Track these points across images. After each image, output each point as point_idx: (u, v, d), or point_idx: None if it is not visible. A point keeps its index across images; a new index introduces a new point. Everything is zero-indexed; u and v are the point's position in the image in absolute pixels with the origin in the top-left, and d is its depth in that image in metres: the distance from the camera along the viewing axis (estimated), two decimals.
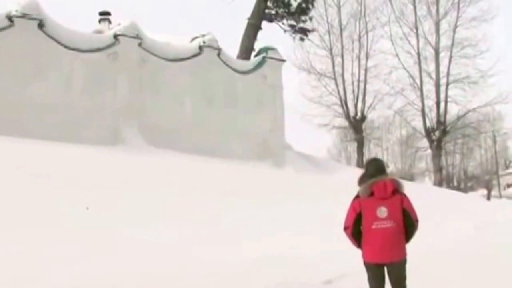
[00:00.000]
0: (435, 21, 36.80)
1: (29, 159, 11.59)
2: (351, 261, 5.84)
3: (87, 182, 10.88)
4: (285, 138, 21.98)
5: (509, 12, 62.56)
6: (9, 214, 8.33)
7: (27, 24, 16.27)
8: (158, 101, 18.30)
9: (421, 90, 36.89)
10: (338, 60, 36.25)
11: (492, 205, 23.39)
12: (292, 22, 26.93)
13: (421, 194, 11.12)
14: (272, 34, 26.95)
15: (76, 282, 6.26)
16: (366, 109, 36.59)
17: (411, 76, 36.94)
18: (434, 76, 36.94)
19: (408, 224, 5.00)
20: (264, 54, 22.00)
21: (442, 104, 36.79)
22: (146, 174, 12.70)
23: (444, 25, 36.96)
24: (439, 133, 36.81)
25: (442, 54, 36.92)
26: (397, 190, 5.04)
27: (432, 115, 37.07)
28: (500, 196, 46.62)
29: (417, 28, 36.87)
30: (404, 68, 36.93)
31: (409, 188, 5.24)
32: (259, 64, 21.74)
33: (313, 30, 29.77)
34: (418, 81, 36.90)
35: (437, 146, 37.04)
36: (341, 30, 36.30)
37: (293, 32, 27.42)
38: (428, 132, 37.10)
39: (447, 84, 36.84)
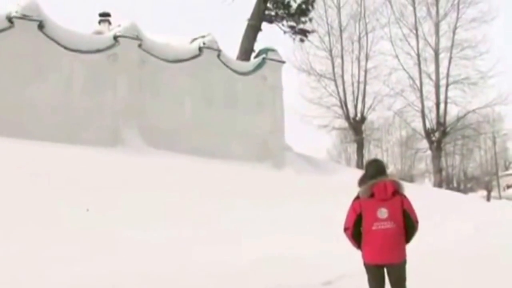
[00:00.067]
0: (434, 22, 36.81)
1: (29, 160, 11.59)
2: (351, 262, 5.84)
3: (87, 183, 10.89)
4: (285, 139, 21.98)
5: (509, 13, 62.63)
6: (9, 214, 8.34)
7: (27, 25, 16.27)
8: (158, 102, 18.30)
9: (421, 91, 36.90)
10: (338, 61, 36.31)
11: (492, 206, 23.38)
12: (292, 23, 26.93)
13: (421, 195, 11.13)
14: (272, 35, 26.99)
15: (76, 282, 6.26)
16: (366, 110, 36.63)
17: (411, 77, 36.99)
18: (434, 77, 36.96)
19: (408, 225, 5.01)
20: (264, 55, 22.01)
21: (442, 105, 36.81)
22: (146, 175, 12.70)
23: (444, 26, 37.01)
24: (439, 134, 36.81)
25: (442, 55, 36.98)
26: (397, 191, 5.06)
27: (432, 116, 37.11)
28: (500, 197, 46.62)
29: (416, 29, 36.89)
30: (404, 69, 36.97)
31: (409, 189, 5.25)
32: (259, 65, 21.75)
33: (313, 31, 29.78)
34: (418, 82, 36.93)
35: (437, 147, 37.04)
36: (341, 31, 36.34)
37: (293, 33, 27.42)
38: (428, 133, 37.10)
39: (447, 85, 36.84)
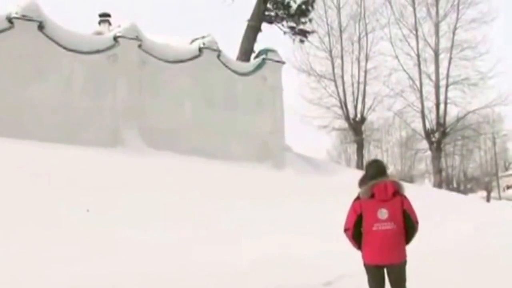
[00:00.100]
0: (434, 23, 36.81)
1: (29, 160, 11.59)
2: (351, 263, 5.84)
3: (87, 183, 10.89)
4: (285, 140, 21.99)
5: (509, 14, 62.68)
6: (9, 215, 8.34)
7: (27, 26, 16.27)
8: (158, 103, 18.30)
9: (421, 92, 36.89)
10: (337, 61, 36.31)
11: (491, 207, 23.40)
12: (292, 24, 26.91)
13: (420, 195, 11.13)
14: (272, 36, 26.99)
15: (76, 282, 6.27)
16: (365, 110, 36.64)
17: (410, 78, 36.97)
18: (433, 78, 36.95)
19: (408, 225, 5.01)
20: (264, 56, 22.01)
21: (441, 106, 36.79)
22: (146, 176, 12.71)
23: (443, 27, 36.99)
24: (438, 135, 36.80)
25: (441, 56, 36.96)
26: (397, 192, 5.06)
27: (431, 117, 37.11)
28: (500, 198, 46.69)
29: (416, 30, 36.89)
30: (404, 70, 36.96)
31: (408, 190, 5.25)
32: (259, 66, 21.76)
33: (312, 32, 29.74)
34: (417, 82, 36.92)
35: (436, 148, 37.04)
36: (340, 32, 36.34)
37: (293, 34, 27.40)
38: (428, 134, 37.10)
39: (447, 86, 36.83)
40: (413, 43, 36.93)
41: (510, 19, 66.03)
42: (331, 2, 36.10)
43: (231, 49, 23.71)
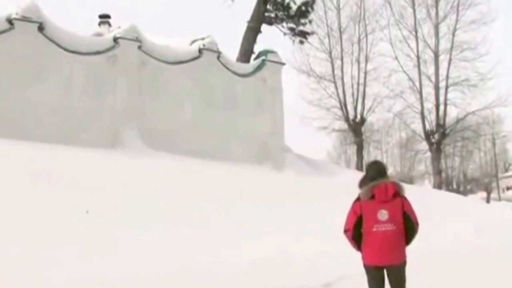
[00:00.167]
0: (434, 24, 36.83)
1: (29, 161, 11.59)
2: (351, 264, 5.84)
3: (86, 184, 10.88)
4: (285, 141, 22.00)
5: (508, 15, 62.72)
6: (9, 215, 8.33)
7: (27, 27, 16.28)
8: (157, 104, 18.31)
9: (421, 93, 36.92)
10: (337, 63, 36.37)
11: (491, 208, 23.41)
12: (292, 25, 26.94)
13: (420, 196, 11.12)
14: (272, 37, 27.03)
15: (76, 283, 6.26)
16: (365, 112, 36.70)
17: (410, 79, 37.00)
18: (433, 79, 36.98)
19: (408, 227, 5.02)
20: (263, 57, 22.03)
21: (441, 107, 36.82)
22: (145, 177, 12.70)
23: (443, 28, 37.02)
24: (438, 136, 36.81)
25: (441, 57, 36.99)
26: (398, 193, 5.07)
27: (431, 118, 37.13)
28: (500, 199, 46.76)
29: (416, 31, 36.91)
30: (404, 71, 36.99)
31: (408, 191, 5.26)
32: (259, 67, 21.77)
33: (312, 33, 29.77)
34: (417, 84, 36.95)
35: (436, 149, 37.04)
36: (340, 33, 36.39)
37: (293, 35, 27.43)
38: (428, 135, 37.11)
39: (447, 87, 36.85)
40: (413, 44, 37.03)
41: (510, 20, 66.07)
42: (331, 3, 36.22)
43: (231, 50, 23.77)
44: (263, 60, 21.88)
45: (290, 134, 22.65)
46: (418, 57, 36.81)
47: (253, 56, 23.83)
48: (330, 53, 36.22)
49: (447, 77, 36.71)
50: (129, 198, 10.49)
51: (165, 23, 70.61)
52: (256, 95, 21.17)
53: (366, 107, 36.57)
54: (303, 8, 26.32)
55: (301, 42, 28.79)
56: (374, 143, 49.35)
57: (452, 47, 36.49)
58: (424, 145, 40.23)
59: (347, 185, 6.87)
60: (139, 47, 18.35)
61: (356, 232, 5.05)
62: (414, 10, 36.87)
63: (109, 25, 22.51)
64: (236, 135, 19.78)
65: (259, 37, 25.41)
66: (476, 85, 36.35)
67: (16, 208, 8.76)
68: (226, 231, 9.31)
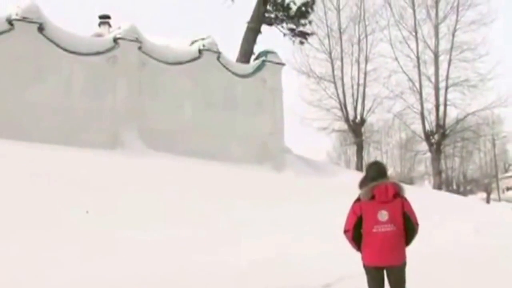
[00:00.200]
0: (434, 24, 36.83)
1: (29, 162, 11.60)
2: (351, 264, 5.84)
3: (86, 184, 10.89)
4: (285, 141, 22.00)
5: (508, 16, 62.75)
6: (9, 215, 8.34)
7: (27, 28, 16.28)
8: (157, 105, 18.31)
9: (421, 94, 36.92)
10: (337, 63, 36.37)
11: (491, 208, 23.42)
12: (292, 26, 26.95)
13: (420, 197, 11.13)
14: (272, 37, 27.04)
15: (75, 283, 6.26)
16: (365, 112, 36.70)
17: (410, 80, 37.01)
18: (433, 79, 36.98)
19: (408, 227, 5.02)
20: (263, 58, 22.04)
21: (441, 108, 36.82)
22: (145, 177, 12.71)
23: (443, 29, 37.02)
24: (438, 137, 36.81)
25: (441, 58, 36.99)
26: (398, 193, 5.06)
27: (431, 119, 37.14)
28: (500, 199, 46.78)
29: (416, 32, 36.92)
30: (404, 71, 36.99)
31: (408, 191, 5.26)
32: (259, 68, 21.78)
33: (312, 33, 29.79)
34: (417, 84, 36.96)
35: (436, 150, 37.04)
36: (340, 33, 36.39)
37: (293, 36, 27.44)
38: (428, 136, 37.11)
39: (446, 88, 36.86)
40: (412, 45, 37.03)
41: (510, 20, 66.12)
42: (331, 4, 36.23)
43: (231, 51, 23.77)
44: (263, 61, 21.89)
45: (290, 134, 22.70)
46: (418, 57, 36.84)
47: (253, 56, 23.84)
48: (330, 53, 36.25)
49: (447, 77, 36.74)
50: (129, 198, 10.50)
51: (165, 23, 70.68)
52: (256, 95, 21.17)
53: (366, 108, 36.64)
54: (303, 8, 26.33)
55: (301, 43, 28.81)
56: (374, 144, 49.37)
57: (452, 48, 36.52)
58: (424, 146, 40.28)
59: (347, 186, 6.87)
60: (139, 48, 18.35)
61: (356, 233, 5.05)
62: (414, 11, 36.89)
63: (109, 25, 22.53)
64: (236, 135, 19.78)
65: (259, 38, 25.45)
66: (476, 85, 36.38)
67: (16, 208, 8.77)
68: (226, 231, 9.32)
